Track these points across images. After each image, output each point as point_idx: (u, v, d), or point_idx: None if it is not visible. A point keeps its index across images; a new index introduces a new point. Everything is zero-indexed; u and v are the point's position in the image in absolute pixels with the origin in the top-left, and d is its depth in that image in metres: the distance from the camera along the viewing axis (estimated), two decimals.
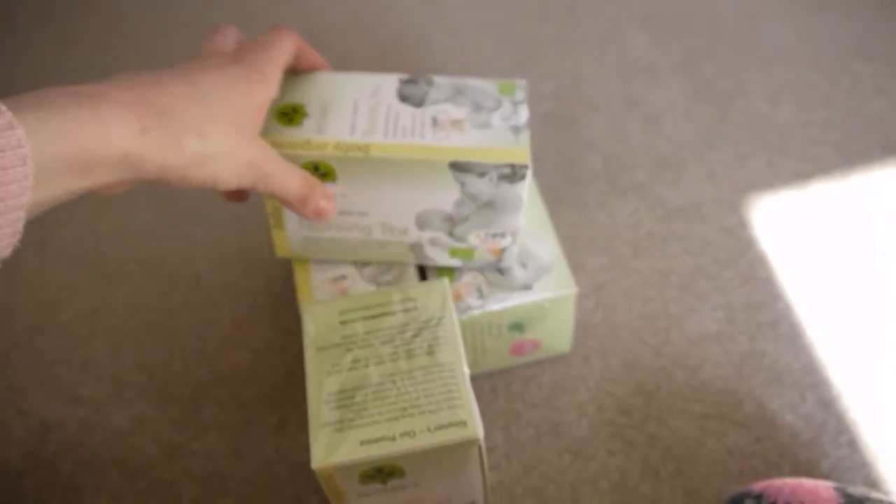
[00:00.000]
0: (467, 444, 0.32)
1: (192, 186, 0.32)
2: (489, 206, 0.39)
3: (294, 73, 0.40)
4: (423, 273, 0.46)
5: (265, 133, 0.38)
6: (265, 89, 0.35)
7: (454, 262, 0.43)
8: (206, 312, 0.51)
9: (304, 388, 0.47)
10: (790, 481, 0.34)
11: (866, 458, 0.42)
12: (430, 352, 0.34)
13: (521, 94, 0.40)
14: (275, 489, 0.43)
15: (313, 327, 0.36)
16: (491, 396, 0.46)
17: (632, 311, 0.49)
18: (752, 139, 0.57)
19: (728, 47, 0.63)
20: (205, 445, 0.45)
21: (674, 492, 0.42)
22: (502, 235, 0.41)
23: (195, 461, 0.45)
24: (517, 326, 0.43)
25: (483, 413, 0.45)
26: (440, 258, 0.42)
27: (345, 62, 0.64)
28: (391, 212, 0.40)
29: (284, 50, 0.36)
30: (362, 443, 0.32)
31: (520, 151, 0.37)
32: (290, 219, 0.41)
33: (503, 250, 0.42)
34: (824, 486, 0.33)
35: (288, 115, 0.38)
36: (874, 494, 0.32)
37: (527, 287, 0.42)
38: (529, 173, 0.38)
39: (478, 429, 0.32)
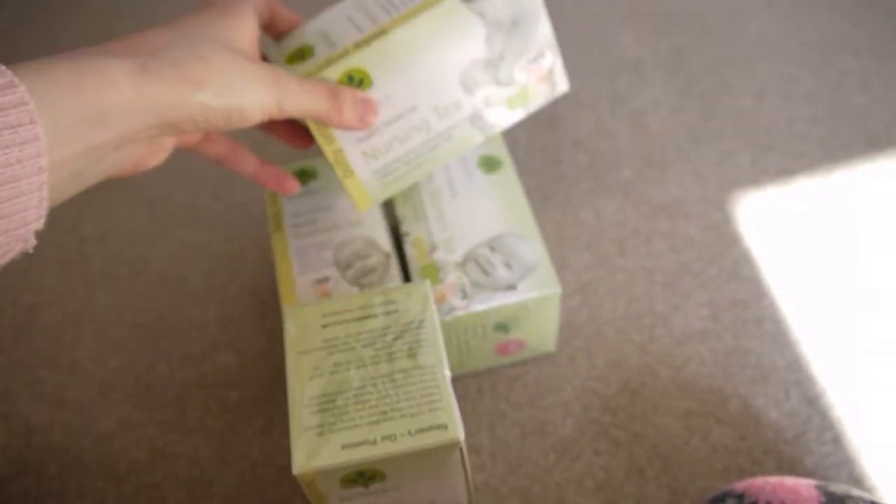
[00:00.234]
0: (448, 448, 0.32)
1: (220, 122, 0.31)
2: (515, 26, 0.39)
3: (277, 37, 0.41)
4: (406, 274, 0.46)
5: None
6: (243, 21, 0.34)
7: (517, 113, 0.42)
8: (192, 315, 0.50)
9: None
10: (771, 480, 0.34)
11: (850, 454, 0.43)
12: (411, 354, 0.34)
13: None
14: (260, 493, 0.43)
15: (295, 330, 0.36)
16: (476, 396, 0.46)
17: (617, 310, 0.49)
18: (737, 135, 0.57)
19: (713, 43, 0.63)
20: (190, 449, 0.45)
21: (659, 490, 0.42)
22: (542, 55, 0.41)
23: (180, 464, 0.45)
24: (502, 327, 0.43)
25: (468, 413, 0.45)
26: (503, 118, 0.42)
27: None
28: (437, 89, 0.40)
29: None
30: (343, 447, 0.32)
31: None
32: (354, 157, 0.40)
33: (550, 73, 0.42)
34: (805, 485, 0.33)
35: (297, 56, 0.38)
36: (855, 492, 0.33)
37: (511, 287, 0.42)
38: None
39: (459, 432, 0.32)
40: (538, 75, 0.41)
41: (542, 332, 0.45)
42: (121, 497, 0.44)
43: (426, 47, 0.38)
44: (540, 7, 0.40)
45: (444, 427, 0.32)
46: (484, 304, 0.42)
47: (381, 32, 0.37)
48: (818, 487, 0.33)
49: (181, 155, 0.59)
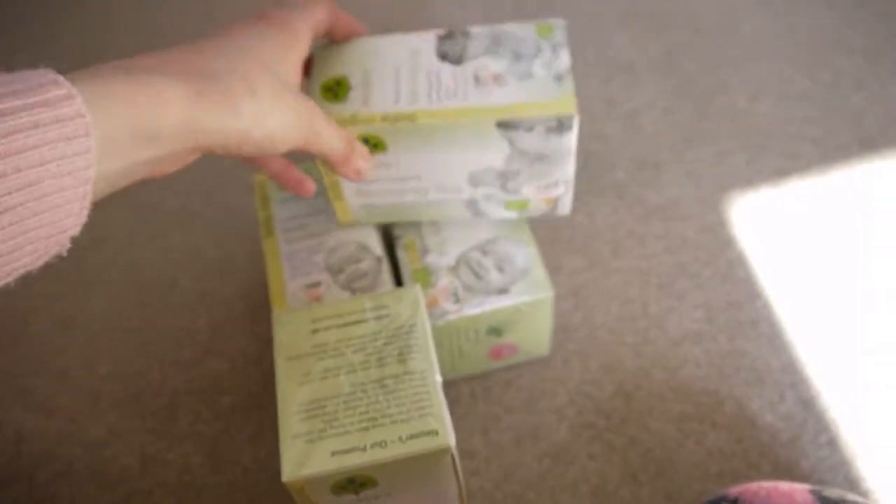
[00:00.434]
0: (439, 454, 0.32)
1: (251, 150, 0.31)
2: (539, 159, 0.39)
3: (333, 43, 0.40)
4: (398, 278, 0.46)
5: None
6: (297, 43, 0.34)
7: (510, 213, 0.43)
8: (184, 321, 0.50)
9: None
10: (766, 484, 0.33)
11: (846, 456, 0.42)
12: (402, 360, 0.34)
13: (560, 36, 0.39)
14: (251, 499, 0.43)
15: (284, 336, 0.35)
16: (470, 401, 0.46)
17: (611, 312, 0.48)
18: (732, 136, 0.57)
19: (707, 44, 0.62)
20: (181, 455, 0.45)
21: (654, 494, 0.42)
22: (555, 185, 0.41)
23: (171, 471, 0.44)
24: (495, 331, 0.43)
25: (462, 417, 0.45)
26: (496, 212, 0.43)
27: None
28: (444, 174, 0.40)
29: (314, 10, 0.37)
30: (333, 454, 0.32)
31: (565, 101, 0.37)
32: (349, 190, 0.41)
33: (557, 199, 0.42)
34: (800, 490, 0.33)
35: (332, 89, 0.39)
36: (850, 497, 0.32)
37: (503, 291, 0.42)
38: (577, 121, 0.37)
39: (449, 438, 0.32)
40: (545, 197, 0.42)
41: (536, 336, 0.45)
42: None
43: (448, 145, 0.38)
44: (570, 154, 0.39)
45: (434, 433, 0.32)
46: (476, 307, 0.42)
47: (411, 116, 0.37)
48: (813, 492, 0.32)
49: None
